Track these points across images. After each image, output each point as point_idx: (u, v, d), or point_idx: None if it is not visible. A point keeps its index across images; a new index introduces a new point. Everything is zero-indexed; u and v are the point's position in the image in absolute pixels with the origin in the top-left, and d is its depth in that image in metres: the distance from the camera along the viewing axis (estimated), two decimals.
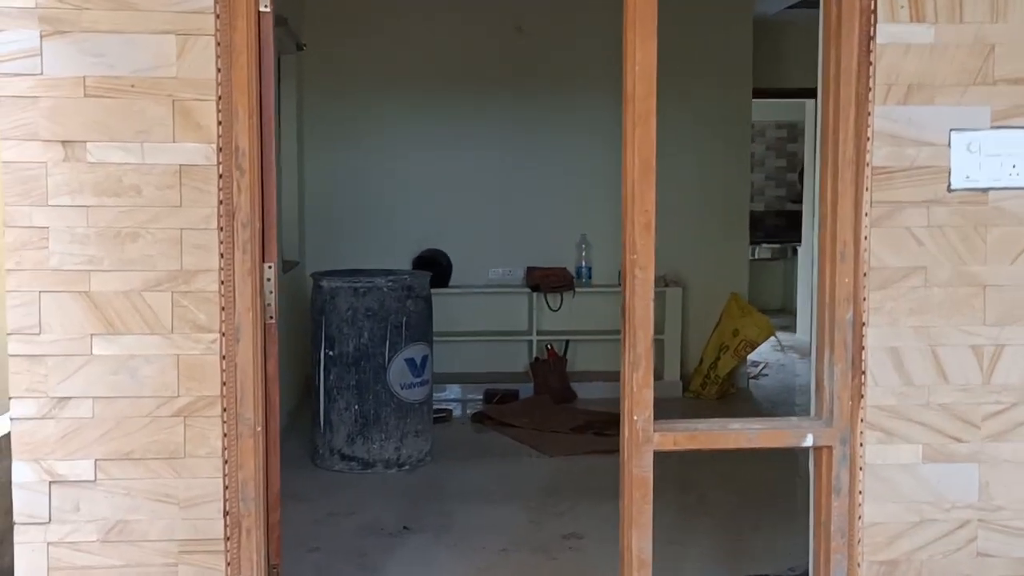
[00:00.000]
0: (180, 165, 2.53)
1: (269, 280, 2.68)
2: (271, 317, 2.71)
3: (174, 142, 2.53)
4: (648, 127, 2.64)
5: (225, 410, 2.58)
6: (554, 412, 6.18)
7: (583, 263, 6.86)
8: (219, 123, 2.54)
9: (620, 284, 6.70)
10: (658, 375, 7.03)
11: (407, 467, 5.02)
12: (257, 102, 2.60)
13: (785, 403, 6.56)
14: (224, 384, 2.58)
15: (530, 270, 6.80)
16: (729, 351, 6.64)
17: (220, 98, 2.53)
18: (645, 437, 2.73)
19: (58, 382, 2.54)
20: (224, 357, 2.58)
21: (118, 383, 2.55)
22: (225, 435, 2.59)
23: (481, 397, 6.53)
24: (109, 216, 2.53)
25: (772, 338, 6.74)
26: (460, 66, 6.81)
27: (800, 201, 9.65)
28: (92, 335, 2.54)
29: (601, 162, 6.89)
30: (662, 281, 6.76)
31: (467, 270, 6.83)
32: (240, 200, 2.57)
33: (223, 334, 2.57)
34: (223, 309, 2.57)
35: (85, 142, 2.51)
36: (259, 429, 2.63)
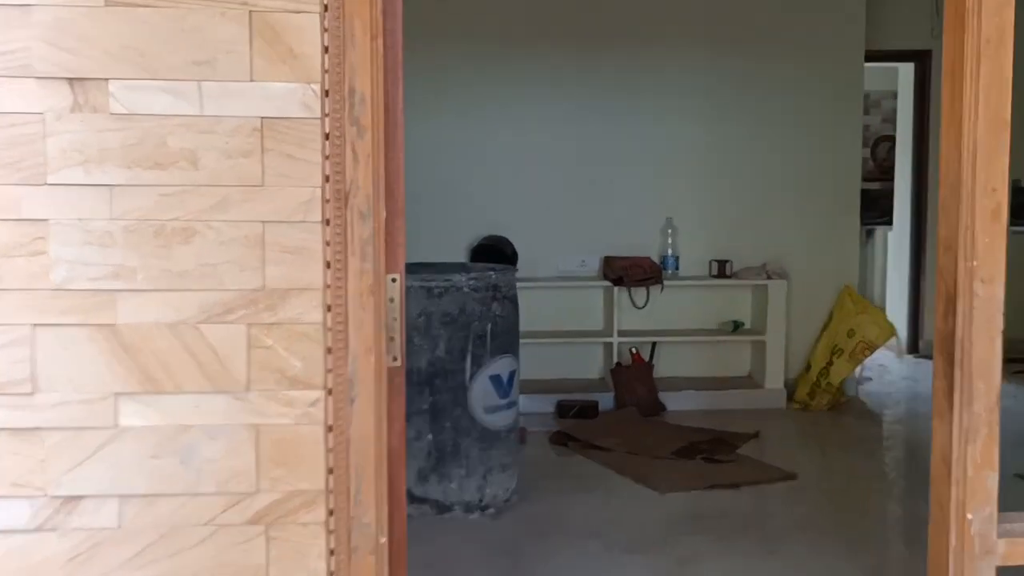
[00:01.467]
0: (262, 119, 1.56)
1: (394, 302, 1.70)
2: (395, 358, 1.73)
3: (252, 80, 1.55)
4: (1001, 57, 1.66)
5: (332, 513, 1.62)
6: (647, 430, 5.22)
7: (669, 252, 5.88)
8: (325, 50, 1.56)
9: (714, 274, 5.73)
10: (758, 383, 6.15)
11: (492, 510, 4.06)
12: (381, 17, 1.61)
13: (913, 415, 5.59)
14: (331, 472, 1.61)
15: (608, 260, 5.82)
16: (844, 355, 5.68)
17: (327, 8, 1.55)
18: (985, 547, 1.75)
19: (64, 472, 1.57)
20: (331, 429, 1.61)
21: (161, 472, 1.58)
22: (333, 552, 1.62)
23: (553, 410, 5.58)
24: (146, 202, 1.55)
25: (893, 339, 5.77)
26: (525, 24, 5.81)
27: (873, 180, 8.71)
28: (118, 395, 1.57)
29: (690, 133, 5.91)
30: (763, 272, 5.78)
31: (534, 260, 5.85)
32: (357, 175, 1.59)
33: (329, 391, 1.60)
34: (330, 351, 1.60)
35: (107, 80, 1.53)
36: (383, 540, 1.67)
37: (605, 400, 5.63)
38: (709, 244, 5.95)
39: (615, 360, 5.70)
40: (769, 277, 5.74)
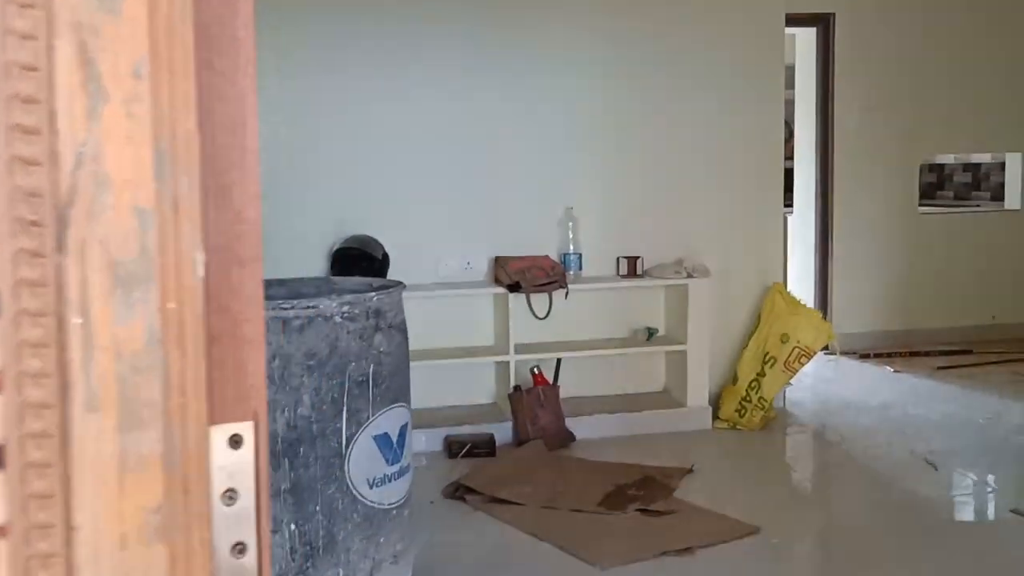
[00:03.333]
0: None
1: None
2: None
3: None
4: None
5: None
6: (561, 471, 4.24)
7: (571, 248, 4.90)
8: None
9: (623, 273, 4.78)
10: (678, 400, 5.28)
11: None
12: None
13: (861, 432, 4.80)
14: None
15: (500, 261, 4.79)
16: (777, 364, 4.85)
17: None
18: None
19: None
20: None
21: None
22: None
23: (442, 448, 4.54)
24: None
25: (831, 343, 4.99)
26: None
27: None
28: None
29: (590, 108, 4.95)
30: (680, 269, 4.88)
31: (408, 264, 4.77)
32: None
33: None
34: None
35: None
36: None
37: (502, 431, 4.62)
38: (616, 237, 5.01)
39: (512, 383, 4.68)
40: (688, 275, 4.85)
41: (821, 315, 4.96)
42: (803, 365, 4.87)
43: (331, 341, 2.84)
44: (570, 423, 4.68)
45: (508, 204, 4.89)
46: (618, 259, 4.97)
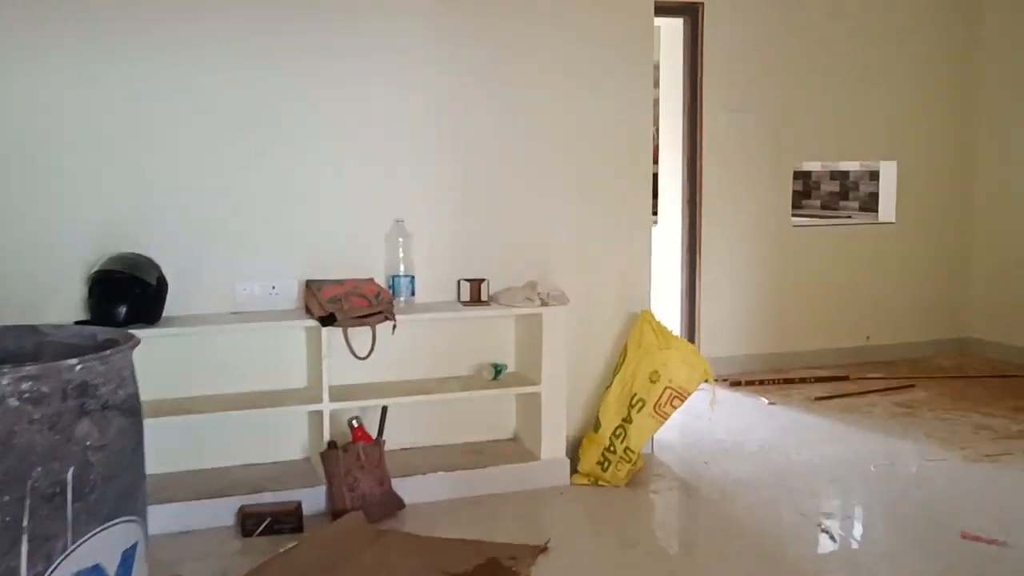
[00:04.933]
0: None
1: None
2: None
3: None
4: None
5: None
6: (384, 557, 3.34)
7: (401, 269, 4.01)
8: None
9: (465, 300, 3.66)
10: (531, 451, 4.44)
11: None
12: None
13: (744, 485, 4.09)
14: None
15: (311, 286, 3.86)
16: (646, 407, 4.10)
17: None
18: None
19: None
20: None
21: None
22: None
23: (234, 523, 3.59)
24: None
25: (706, 382, 4.25)
26: None
27: None
28: None
29: (423, 102, 4.11)
30: (533, 294, 4.07)
31: (195, 289, 3.79)
32: None
33: None
34: None
35: None
36: None
37: (314, 497, 3.70)
38: (456, 256, 4.17)
39: (327, 437, 3.76)
40: (543, 302, 4.04)
41: (695, 349, 4.23)
42: (675, 409, 4.12)
43: (3, 434, 1.89)
44: (399, 485, 3.80)
45: (322, 215, 3.97)
46: (459, 282, 4.12)
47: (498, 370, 4.17)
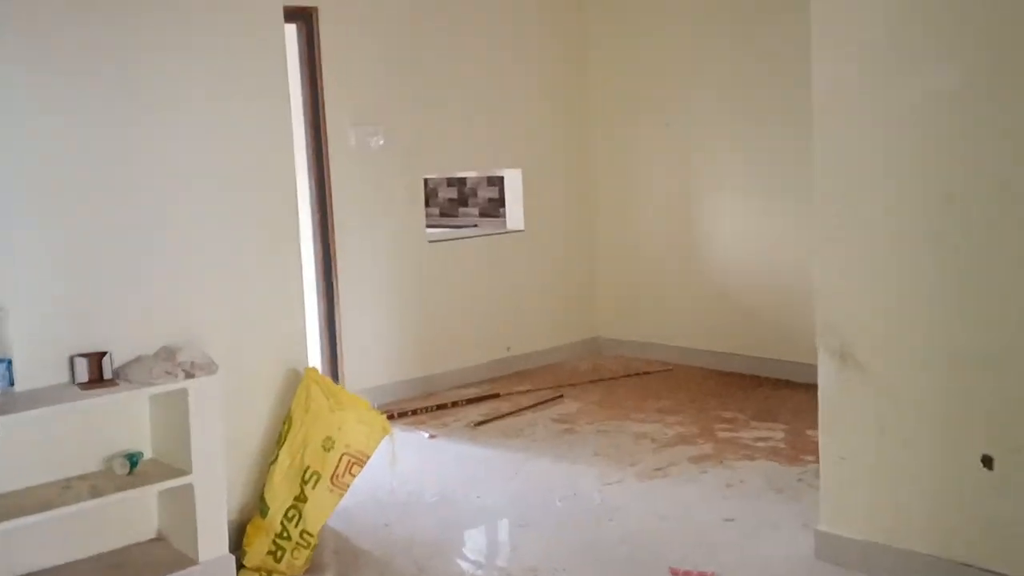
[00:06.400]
0: None
1: None
2: None
3: None
4: None
5: None
6: None
7: None
8: None
9: (82, 381, 2.98)
10: (184, 553, 3.56)
11: None
12: None
13: (435, 556, 3.65)
14: None
15: None
16: (322, 481, 3.54)
17: None
18: None
19: None
20: None
21: None
22: None
23: None
24: None
25: (387, 439, 3.75)
26: None
27: None
28: None
29: (30, 127, 3.21)
30: (174, 366, 3.34)
31: None
32: None
33: None
34: None
35: None
36: None
37: None
38: (67, 326, 3.30)
39: None
40: (187, 374, 3.32)
41: (369, 405, 3.73)
42: (355, 477, 3.61)
43: None
44: None
45: None
46: (72, 359, 3.27)
47: (133, 461, 3.38)
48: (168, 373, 3.30)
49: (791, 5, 5.68)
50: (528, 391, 5.96)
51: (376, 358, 5.82)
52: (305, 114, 5.56)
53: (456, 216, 8.31)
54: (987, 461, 2.96)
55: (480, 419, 5.40)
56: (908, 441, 3.14)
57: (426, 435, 5.17)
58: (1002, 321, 2.88)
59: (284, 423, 3.66)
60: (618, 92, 6.71)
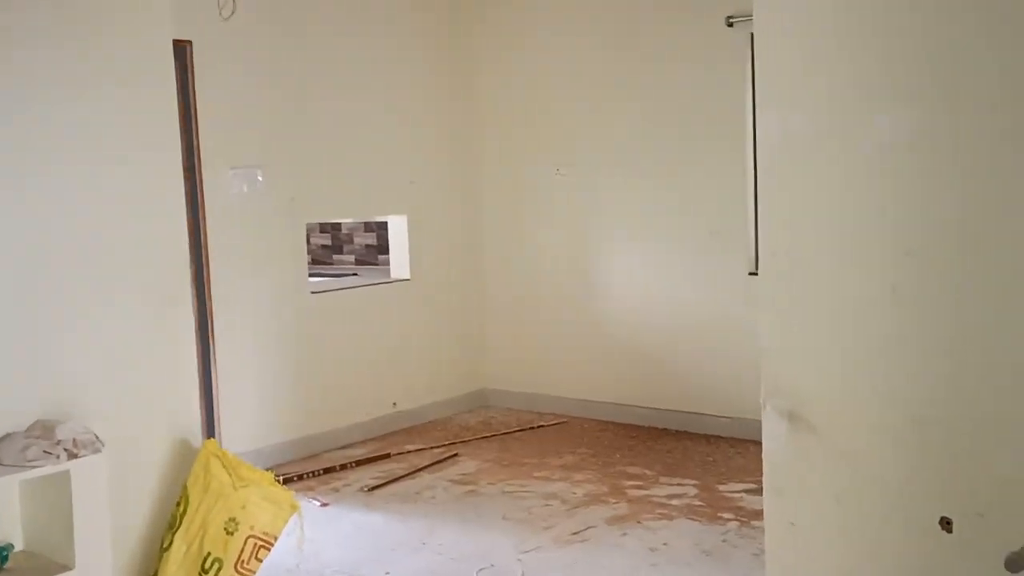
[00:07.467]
0: None
1: None
2: None
3: None
4: None
5: None
6: None
7: None
8: None
9: None
10: None
11: None
12: None
13: None
14: None
15: None
16: (225, 568, 3.14)
17: None
18: None
19: None
20: None
21: None
22: None
23: None
24: None
25: (295, 517, 3.37)
26: None
27: None
28: None
29: None
30: (57, 449, 2.91)
31: None
32: None
33: None
34: None
35: None
36: None
37: None
38: None
39: None
40: (71, 454, 2.88)
41: (274, 479, 3.36)
42: (262, 562, 3.22)
43: None
44: None
45: None
46: None
47: (3, 555, 2.90)
48: (47, 453, 2.86)
49: (691, 55, 5.67)
50: (420, 449, 5.64)
51: (254, 419, 5.39)
52: (186, 148, 5.12)
53: (331, 264, 7.92)
54: (946, 523, 2.86)
55: (373, 483, 5.05)
56: (865, 511, 3.02)
57: (317, 503, 4.78)
58: (962, 380, 2.80)
59: (178, 504, 3.24)
60: (509, 138, 6.54)
